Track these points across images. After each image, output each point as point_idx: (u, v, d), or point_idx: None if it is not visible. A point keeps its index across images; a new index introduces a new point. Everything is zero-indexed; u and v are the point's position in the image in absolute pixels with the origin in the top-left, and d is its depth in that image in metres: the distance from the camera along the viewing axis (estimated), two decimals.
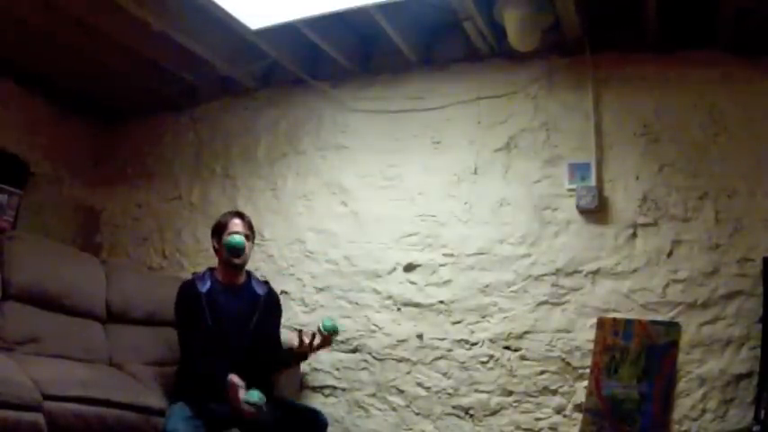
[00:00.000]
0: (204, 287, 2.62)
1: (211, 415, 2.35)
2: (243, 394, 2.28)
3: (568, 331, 2.90)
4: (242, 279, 2.75)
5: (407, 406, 3.11)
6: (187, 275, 3.51)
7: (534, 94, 3.17)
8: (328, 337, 2.50)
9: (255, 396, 2.27)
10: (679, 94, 2.92)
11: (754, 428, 2.41)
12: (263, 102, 3.83)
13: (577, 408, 2.81)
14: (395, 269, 3.28)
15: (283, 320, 2.90)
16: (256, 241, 3.56)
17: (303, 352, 2.51)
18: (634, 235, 2.89)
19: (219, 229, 2.73)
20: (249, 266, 2.84)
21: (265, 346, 2.62)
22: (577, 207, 2.97)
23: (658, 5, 2.70)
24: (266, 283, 2.87)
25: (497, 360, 2.99)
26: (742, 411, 2.55)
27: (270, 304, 2.75)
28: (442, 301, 3.15)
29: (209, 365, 2.43)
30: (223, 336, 2.53)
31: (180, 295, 2.65)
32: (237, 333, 2.57)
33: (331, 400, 3.25)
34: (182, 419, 2.26)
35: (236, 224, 2.72)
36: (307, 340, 2.47)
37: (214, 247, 2.77)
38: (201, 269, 2.85)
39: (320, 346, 2.51)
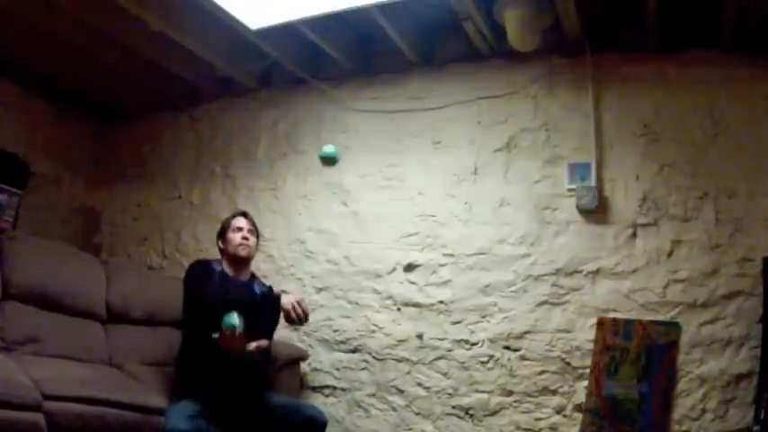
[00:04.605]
0: (218, 269, 2.69)
1: (218, 403, 2.37)
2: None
3: (568, 331, 2.90)
4: (246, 277, 2.76)
5: (407, 406, 3.11)
6: None
7: (534, 94, 3.17)
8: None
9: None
10: (679, 94, 2.92)
11: (754, 428, 2.41)
12: (263, 102, 3.83)
13: (577, 408, 2.81)
14: (395, 269, 3.28)
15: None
16: None
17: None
18: (634, 235, 2.89)
19: (224, 229, 2.78)
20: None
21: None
22: (577, 207, 2.97)
23: (658, 5, 2.70)
24: (270, 287, 2.86)
25: (497, 360, 2.99)
26: (742, 411, 2.55)
27: (266, 304, 2.74)
28: (441, 301, 3.15)
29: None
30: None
31: (194, 267, 2.69)
32: None
33: (331, 400, 3.25)
34: (183, 418, 2.25)
35: (240, 220, 2.77)
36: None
37: (219, 246, 2.80)
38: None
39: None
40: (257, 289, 2.76)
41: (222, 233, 2.78)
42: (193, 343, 2.56)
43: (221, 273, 2.68)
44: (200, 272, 2.65)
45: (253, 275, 2.82)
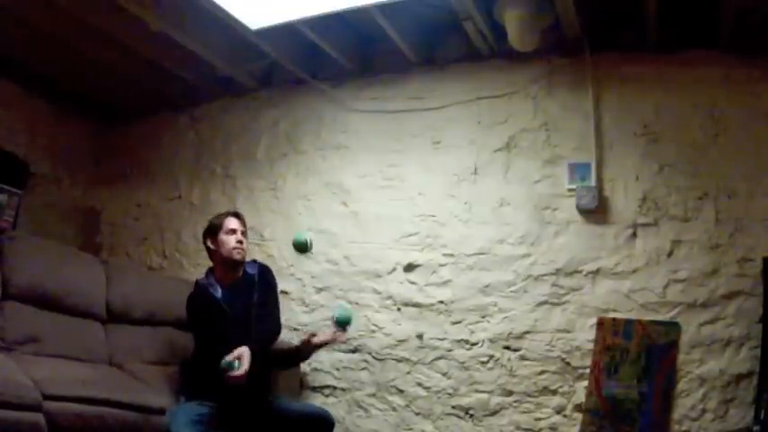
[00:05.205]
0: (217, 292, 2.62)
1: (224, 407, 2.37)
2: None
3: (568, 331, 2.90)
4: (240, 272, 2.74)
5: (407, 406, 3.11)
6: (187, 275, 3.53)
7: (534, 94, 3.17)
8: (337, 333, 2.58)
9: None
10: (679, 94, 2.92)
11: (754, 428, 2.41)
12: (263, 102, 3.83)
13: (577, 408, 2.81)
14: (395, 269, 3.28)
15: (283, 320, 2.86)
16: (257, 241, 3.59)
17: (308, 347, 2.57)
18: (634, 235, 2.89)
19: (215, 229, 2.73)
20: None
21: (267, 324, 2.61)
22: (577, 207, 2.97)
23: (658, 5, 2.70)
24: (254, 261, 2.84)
25: (497, 360, 2.99)
26: (742, 411, 2.55)
27: (264, 280, 2.74)
28: (441, 301, 3.15)
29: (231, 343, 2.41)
30: (241, 326, 2.53)
31: (194, 305, 2.64)
32: (248, 319, 2.56)
33: (331, 400, 3.25)
34: (187, 423, 2.24)
35: (233, 222, 2.73)
36: (315, 339, 2.55)
37: (209, 247, 2.74)
38: (199, 273, 2.86)
39: (327, 342, 2.60)
40: (251, 271, 2.74)
41: (212, 233, 2.72)
42: (205, 356, 2.54)
43: (224, 294, 2.61)
44: (198, 310, 2.61)
45: (243, 268, 2.78)
